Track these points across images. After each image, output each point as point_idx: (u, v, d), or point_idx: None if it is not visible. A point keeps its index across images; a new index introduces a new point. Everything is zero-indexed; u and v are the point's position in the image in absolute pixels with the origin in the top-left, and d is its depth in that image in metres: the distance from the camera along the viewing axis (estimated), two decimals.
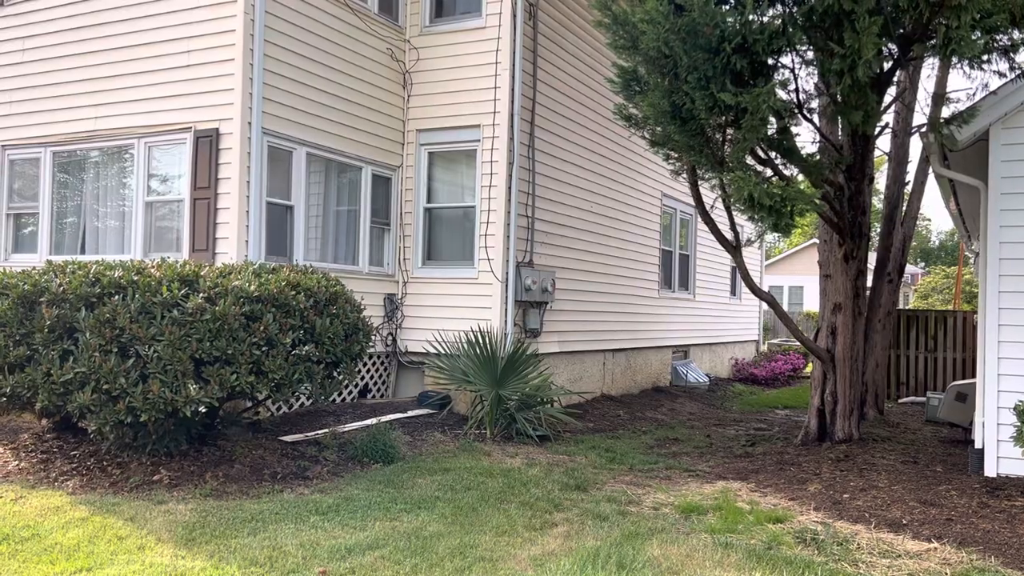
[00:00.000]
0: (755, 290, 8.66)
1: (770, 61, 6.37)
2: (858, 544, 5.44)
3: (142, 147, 8.89)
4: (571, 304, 11.17)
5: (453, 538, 5.29)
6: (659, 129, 7.17)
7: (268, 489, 6.32)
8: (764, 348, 20.55)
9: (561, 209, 10.91)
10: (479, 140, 9.89)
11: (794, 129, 7.80)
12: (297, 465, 6.91)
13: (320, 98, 9.13)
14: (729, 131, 6.70)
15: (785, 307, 38.03)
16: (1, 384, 6.14)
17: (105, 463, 6.57)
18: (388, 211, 10.33)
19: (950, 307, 25.21)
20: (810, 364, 20.10)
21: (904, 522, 5.92)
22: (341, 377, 6.98)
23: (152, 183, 8.93)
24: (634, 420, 11.03)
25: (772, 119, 6.53)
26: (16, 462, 6.70)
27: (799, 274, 41.00)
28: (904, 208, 10.81)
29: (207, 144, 8.25)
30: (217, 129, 8.25)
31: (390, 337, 10.10)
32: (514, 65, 9.70)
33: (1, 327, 6.17)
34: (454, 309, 9.92)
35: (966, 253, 18.25)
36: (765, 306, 20.03)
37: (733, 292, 18.16)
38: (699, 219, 15.71)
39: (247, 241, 8.20)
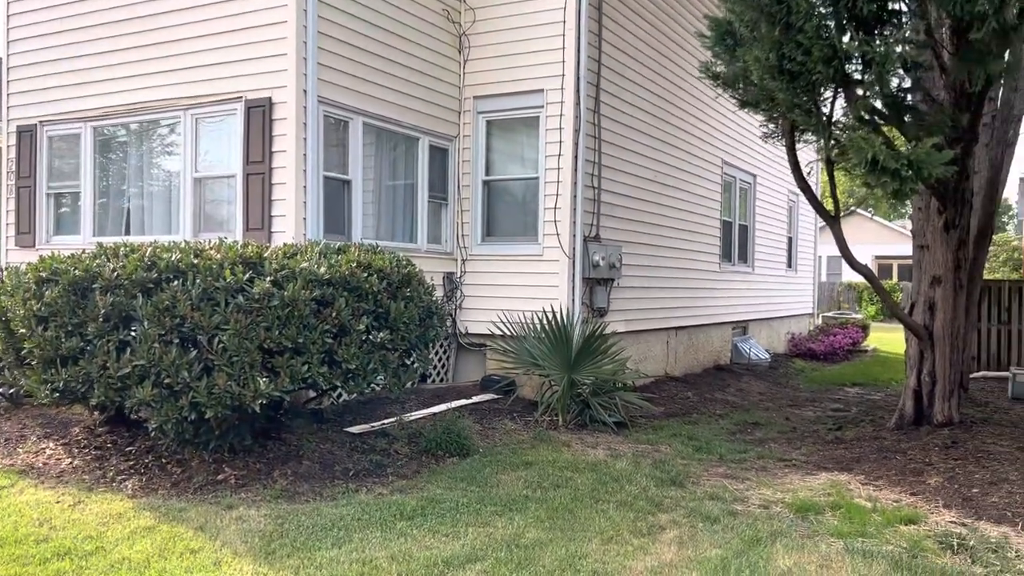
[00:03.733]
0: (853, 263, 7.94)
1: (901, 7, 5.60)
2: (1017, 551, 4.80)
3: (189, 119, 8.31)
4: (636, 280, 10.54)
5: (557, 547, 4.73)
6: (756, 87, 6.44)
7: (342, 488, 5.79)
8: (819, 321, 19.78)
9: (626, 179, 10.24)
10: (542, 107, 9.21)
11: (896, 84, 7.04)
12: (369, 460, 6.38)
13: (375, 63, 8.49)
14: (841, 88, 5.98)
15: (823, 278, 37.05)
16: (54, 378, 5.64)
17: (164, 461, 6.08)
18: (445, 184, 9.72)
19: (1014, 276, 24.26)
20: (869, 338, 19.36)
21: None
22: (416, 365, 6.42)
23: (201, 158, 8.36)
24: (704, 402, 10.45)
25: (901, 71, 5.81)
26: (70, 460, 6.22)
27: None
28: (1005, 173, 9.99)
29: (259, 114, 7.65)
30: (270, 98, 7.63)
31: (449, 318, 9.55)
32: (579, 24, 8.98)
33: (52, 317, 5.65)
34: (517, 288, 9.32)
35: None
36: (822, 278, 19.25)
37: (789, 264, 17.39)
38: (758, 188, 14.98)
39: (305, 219, 7.63)
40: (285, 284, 5.53)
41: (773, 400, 11.14)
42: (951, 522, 5.38)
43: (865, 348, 18.32)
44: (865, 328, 19.03)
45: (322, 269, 5.66)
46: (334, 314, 5.62)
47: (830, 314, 21.03)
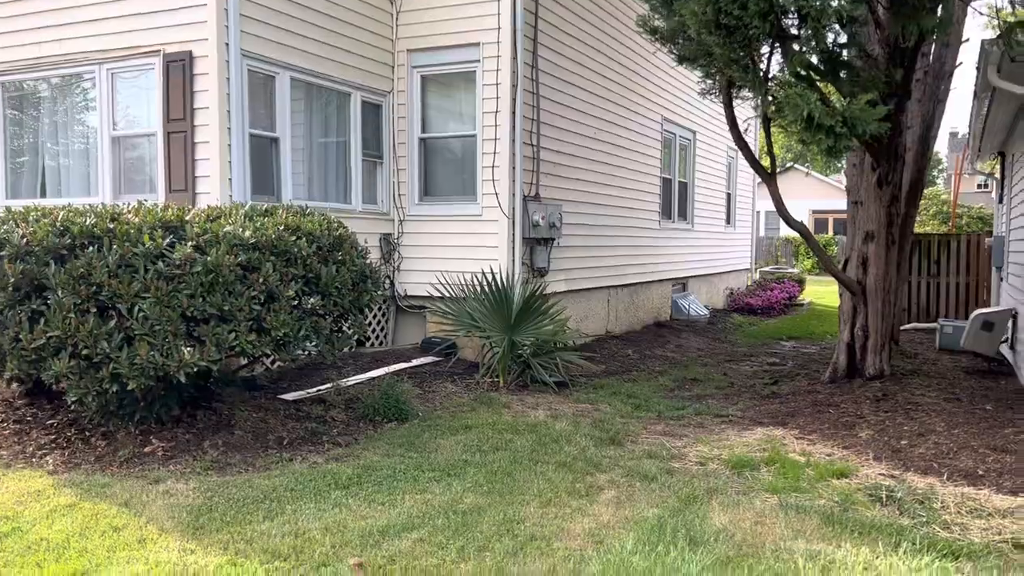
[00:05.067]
0: (789, 221, 8.01)
1: None
2: (942, 502, 4.93)
3: (104, 74, 7.89)
4: (577, 239, 10.51)
5: (495, 511, 4.70)
6: (693, 42, 6.36)
7: (276, 458, 5.67)
8: (756, 276, 20.15)
9: (566, 137, 10.14)
10: (478, 61, 9.00)
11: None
12: (304, 428, 6.26)
13: (302, 15, 8.16)
14: (777, 44, 5.93)
15: (761, 233, 37.68)
16: None
17: (88, 433, 5.86)
18: (380, 142, 9.46)
19: (943, 229, 25.01)
20: (805, 292, 19.78)
21: (980, 473, 5.43)
22: (351, 331, 6.31)
23: (119, 116, 7.96)
24: (644, 359, 10.55)
25: (837, 26, 5.78)
26: None
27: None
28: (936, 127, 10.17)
29: (179, 69, 7.29)
30: (190, 52, 7.27)
31: (387, 280, 9.40)
32: None
33: None
34: (456, 249, 9.21)
35: (966, 173, 17.77)
36: (760, 232, 19.53)
37: (728, 220, 17.62)
38: (697, 145, 15.01)
39: (231, 179, 7.35)
40: (208, 249, 5.31)
41: (711, 355, 11.30)
42: (880, 474, 5.51)
43: (801, 302, 18.74)
44: (801, 282, 19.44)
45: (247, 233, 5.46)
46: (261, 280, 5.44)
47: (767, 269, 21.42)
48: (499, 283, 8.21)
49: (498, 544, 4.27)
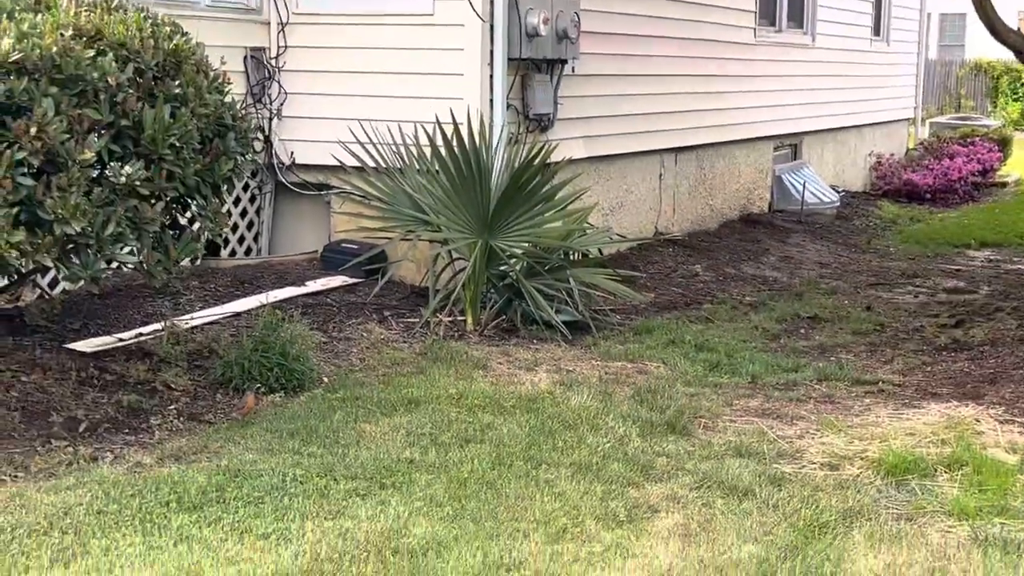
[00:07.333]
0: (994, 26, 7.95)
1: None
2: None
3: None
4: (606, 64, 10.71)
5: (467, 551, 4.71)
6: None
7: (66, 455, 5.67)
8: (924, 133, 20.23)
9: None
10: None
11: None
12: (116, 402, 6.37)
13: None
14: None
15: (931, 54, 37.60)
16: None
17: None
18: None
19: None
20: (1011, 161, 19.88)
21: None
22: (198, 227, 6.45)
23: None
24: (725, 282, 10.87)
25: None
26: None
27: None
28: None
29: None
30: None
31: (259, 136, 9.38)
32: None
33: None
34: (387, 79, 9.38)
35: None
36: (930, 53, 19.47)
37: (876, 30, 17.84)
38: None
39: None
40: None
41: (844, 275, 11.58)
42: None
43: (1003, 178, 19.03)
44: (1004, 143, 19.55)
45: (5, 43, 5.43)
46: (33, 130, 5.39)
47: (943, 120, 21.57)
48: (466, 141, 8.24)
49: None
